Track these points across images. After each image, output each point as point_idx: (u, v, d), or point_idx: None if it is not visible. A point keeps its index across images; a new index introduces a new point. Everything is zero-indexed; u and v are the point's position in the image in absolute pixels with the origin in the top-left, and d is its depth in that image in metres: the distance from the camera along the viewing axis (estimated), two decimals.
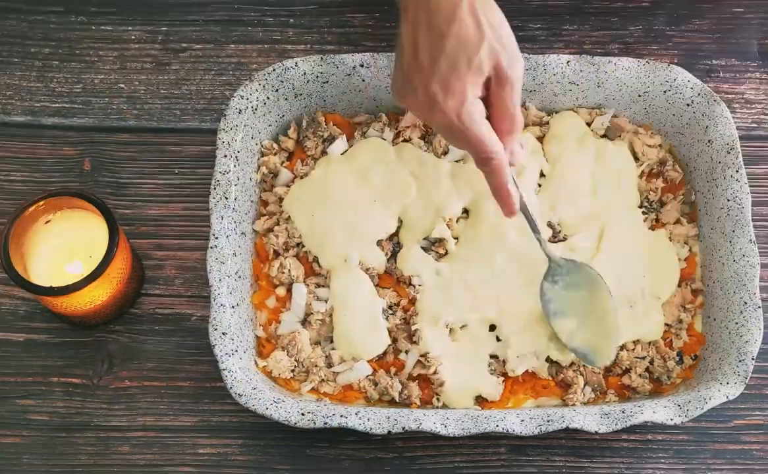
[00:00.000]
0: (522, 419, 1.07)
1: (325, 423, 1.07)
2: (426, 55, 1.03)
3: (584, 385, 1.13)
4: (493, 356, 1.15)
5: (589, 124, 1.23)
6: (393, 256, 1.18)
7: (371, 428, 1.06)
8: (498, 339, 1.15)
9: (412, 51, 1.03)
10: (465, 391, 1.13)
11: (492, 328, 1.15)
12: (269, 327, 1.15)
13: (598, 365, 1.13)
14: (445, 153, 1.21)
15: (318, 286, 1.17)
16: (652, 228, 1.20)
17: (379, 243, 1.18)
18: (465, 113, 1.04)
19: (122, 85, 1.30)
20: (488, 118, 1.07)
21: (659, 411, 1.07)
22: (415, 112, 1.09)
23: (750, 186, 1.15)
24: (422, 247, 1.18)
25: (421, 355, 1.14)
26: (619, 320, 1.14)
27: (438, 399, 1.13)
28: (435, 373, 1.13)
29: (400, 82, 1.07)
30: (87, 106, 1.29)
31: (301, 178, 1.20)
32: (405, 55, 1.04)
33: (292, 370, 1.14)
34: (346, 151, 1.22)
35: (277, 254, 1.18)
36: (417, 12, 1.02)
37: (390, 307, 1.16)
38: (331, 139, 1.22)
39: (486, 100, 1.06)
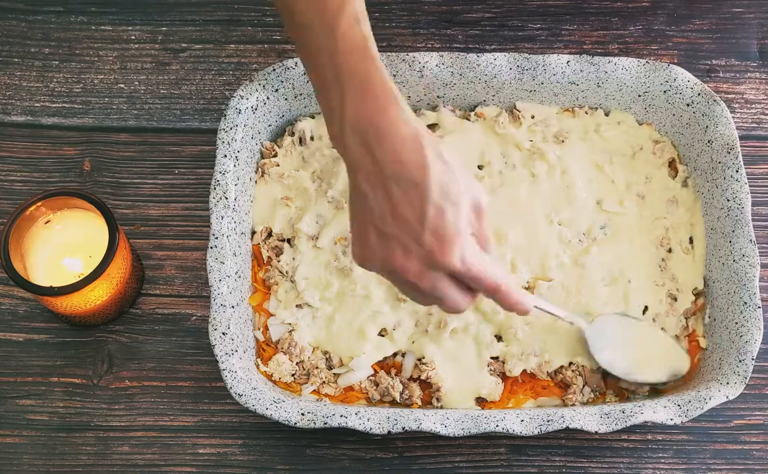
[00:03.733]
0: (522, 419, 1.07)
1: (325, 423, 1.07)
2: (408, 209, 0.95)
3: (583, 386, 1.13)
4: (494, 357, 1.14)
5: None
6: None
7: (371, 428, 1.06)
8: (498, 339, 1.15)
9: (390, 209, 0.95)
10: (465, 393, 1.13)
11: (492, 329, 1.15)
12: (267, 332, 1.15)
13: (683, 374, 1.13)
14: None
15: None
16: None
17: None
18: (467, 255, 0.96)
19: (122, 85, 1.30)
20: None
21: (659, 411, 1.07)
22: (405, 273, 0.97)
23: (750, 186, 1.15)
24: None
25: (417, 359, 1.14)
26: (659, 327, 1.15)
27: (438, 400, 1.12)
28: (428, 378, 1.13)
29: (375, 246, 0.97)
30: (87, 106, 1.29)
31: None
32: (377, 217, 0.96)
33: (293, 375, 1.14)
34: None
35: (270, 259, 1.18)
36: (378, 170, 0.95)
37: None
38: None
39: None
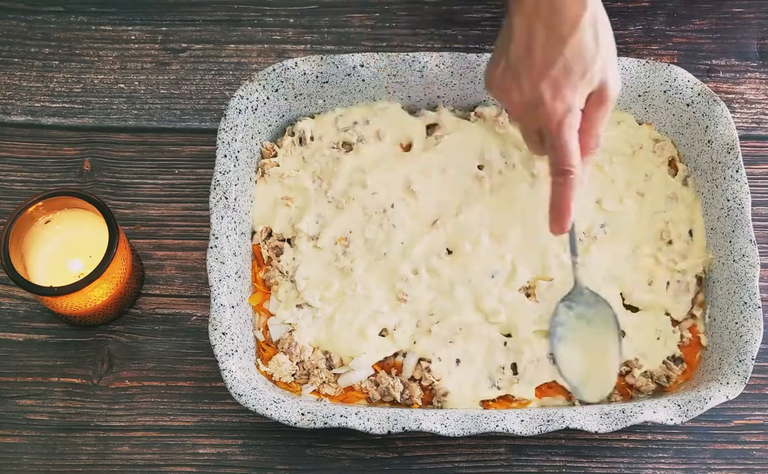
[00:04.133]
0: (522, 419, 1.07)
1: (325, 423, 1.06)
2: (541, 54, 1.01)
3: None
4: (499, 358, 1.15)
5: None
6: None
7: (371, 428, 1.06)
8: (503, 343, 1.15)
9: (526, 44, 1.02)
10: (468, 399, 1.12)
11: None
12: (267, 332, 1.15)
13: (583, 400, 1.12)
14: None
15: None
16: None
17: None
18: (566, 122, 1.03)
19: (122, 85, 1.30)
20: None
21: (659, 411, 1.07)
22: (511, 105, 1.07)
23: (750, 186, 1.15)
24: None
25: (420, 359, 1.14)
26: (617, 369, 1.13)
27: (439, 401, 1.12)
28: (431, 385, 1.13)
29: (502, 72, 1.05)
30: (87, 106, 1.29)
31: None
32: (515, 46, 1.03)
33: (293, 374, 1.13)
34: None
35: (270, 259, 1.18)
36: (538, 7, 1.01)
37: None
38: None
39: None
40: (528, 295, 1.16)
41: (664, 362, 1.14)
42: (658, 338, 1.15)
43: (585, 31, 1.00)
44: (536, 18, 1.01)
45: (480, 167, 1.21)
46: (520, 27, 1.02)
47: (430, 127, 1.24)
